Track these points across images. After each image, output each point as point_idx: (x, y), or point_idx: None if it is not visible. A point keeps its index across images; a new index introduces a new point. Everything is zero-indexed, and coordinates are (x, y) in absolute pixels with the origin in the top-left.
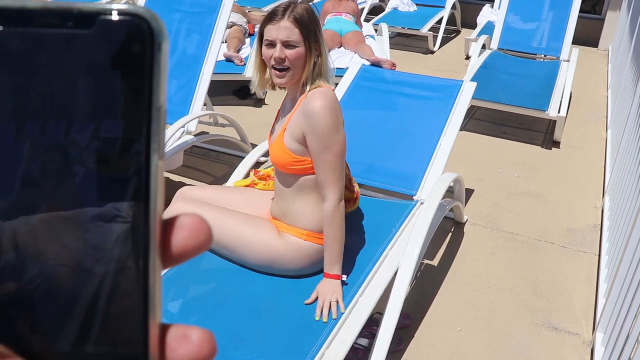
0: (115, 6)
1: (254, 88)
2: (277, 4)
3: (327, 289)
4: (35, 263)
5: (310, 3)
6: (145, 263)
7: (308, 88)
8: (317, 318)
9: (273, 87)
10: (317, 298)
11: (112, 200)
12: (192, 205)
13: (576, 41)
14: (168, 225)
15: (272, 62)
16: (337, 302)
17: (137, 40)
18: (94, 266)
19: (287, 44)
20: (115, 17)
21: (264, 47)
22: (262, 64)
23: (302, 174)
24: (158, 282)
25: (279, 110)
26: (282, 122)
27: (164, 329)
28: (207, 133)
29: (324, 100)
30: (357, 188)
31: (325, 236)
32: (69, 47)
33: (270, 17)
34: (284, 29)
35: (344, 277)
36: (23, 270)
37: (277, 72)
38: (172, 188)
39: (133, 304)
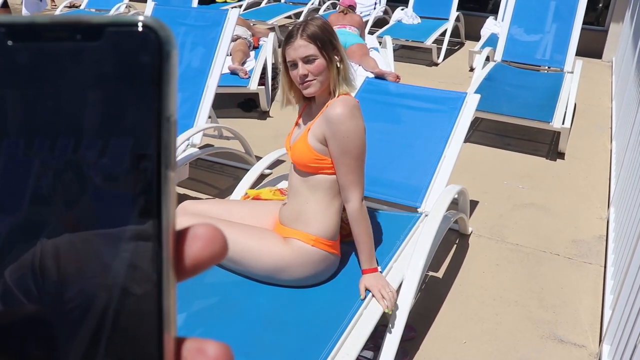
0: (122, 17)
1: (282, 106)
2: (282, 16)
3: (374, 282)
4: (64, 281)
5: (314, 15)
6: (159, 276)
7: (337, 93)
8: (385, 310)
9: (301, 100)
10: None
11: (124, 214)
12: (195, 219)
13: (580, 53)
14: (181, 236)
15: (299, 80)
16: (391, 290)
17: (146, 51)
18: (108, 281)
19: (306, 60)
20: (122, 28)
21: (290, 70)
22: (288, 84)
23: (318, 173)
24: (173, 295)
25: (299, 116)
26: (307, 124)
27: (179, 342)
28: (212, 146)
29: (344, 107)
30: None
31: (355, 236)
32: (78, 60)
33: (287, 40)
34: (300, 47)
35: (379, 269)
36: (62, 289)
37: (304, 84)
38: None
39: (148, 318)
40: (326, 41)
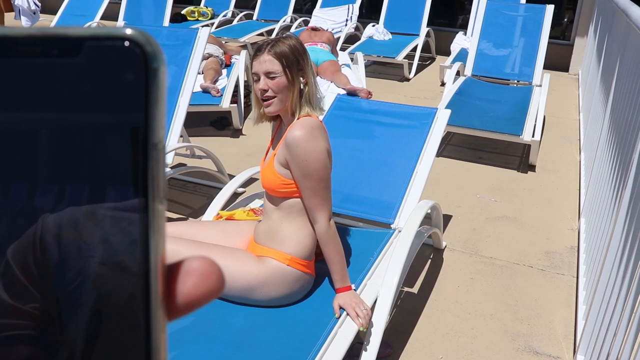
0: (104, 30)
1: (255, 123)
2: (254, 34)
3: (349, 300)
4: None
5: (287, 33)
6: (146, 319)
7: (297, 116)
8: (360, 328)
9: (269, 119)
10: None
11: (107, 250)
12: (168, 241)
13: (547, 66)
14: (173, 271)
15: (259, 94)
16: (365, 308)
17: (130, 68)
18: (93, 323)
19: (268, 75)
20: (104, 42)
21: (254, 83)
22: (258, 100)
23: (289, 197)
24: (163, 338)
25: (272, 139)
26: (275, 149)
27: None
28: (185, 165)
29: (303, 130)
30: None
31: (325, 255)
32: (54, 78)
33: (255, 54)
34: (265, 62)
35: (353, 286)
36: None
37: (265, 102)
38: None
39: None
40: (292, 61)
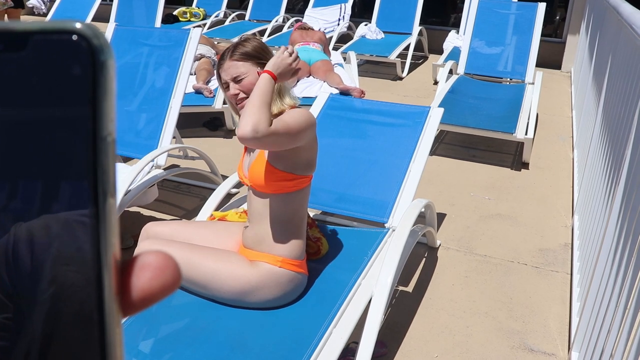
0: (51, 24)
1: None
2: (246, 34)
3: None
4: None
5: (279, 33)
6: (100, 315)
7: (282, 106)
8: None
9: None
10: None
11: (58, 247)
12: (158, 243)
13: (540, 64)
14: (127, 267)
15: (233, 100)
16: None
17: (77, 61)
18: (51, 322)
19: (236, 80)
20: (50, 36)
21: (224, 92)
22: (233, 105)
23: (282, 192)
24: (118, 334)
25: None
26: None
27: None
28: (178, 166)
29: (301, 110)
30: (322, 242)
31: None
32: (0, 73)
33: (219, 63)
34: (229, 68)
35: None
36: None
37: (239, 105)
38: (142, 223)
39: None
40: (255, 57)
